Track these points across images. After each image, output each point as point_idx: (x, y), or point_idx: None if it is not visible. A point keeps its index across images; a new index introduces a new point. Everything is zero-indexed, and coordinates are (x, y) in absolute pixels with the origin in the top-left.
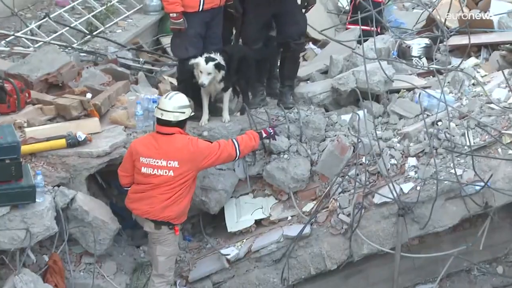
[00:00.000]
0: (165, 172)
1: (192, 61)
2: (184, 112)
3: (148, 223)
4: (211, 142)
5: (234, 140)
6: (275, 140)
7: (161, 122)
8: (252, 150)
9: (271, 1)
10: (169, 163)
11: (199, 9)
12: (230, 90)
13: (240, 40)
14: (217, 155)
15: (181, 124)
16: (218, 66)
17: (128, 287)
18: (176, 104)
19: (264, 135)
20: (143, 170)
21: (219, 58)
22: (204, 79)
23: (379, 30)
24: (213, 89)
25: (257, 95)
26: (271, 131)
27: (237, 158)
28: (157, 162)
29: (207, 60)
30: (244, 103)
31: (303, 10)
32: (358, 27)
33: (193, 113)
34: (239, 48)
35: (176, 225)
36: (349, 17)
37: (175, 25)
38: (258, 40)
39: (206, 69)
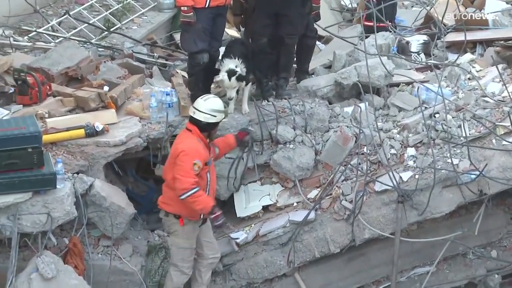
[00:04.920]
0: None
1: (216, 79)
2: (215, 116)
3: (161, 211)
4: (195, 170)
5: (193, 189)
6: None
7: (191, 119)
8: (196, 212)
9: (275, 1)
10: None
11: (205, 5)
12: (250, 84)
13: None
14: (177, 175)
15: (210, 126)
16: (239, 78)
17: (143, 269)
18: (209, 107)
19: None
20: None
21: (236, 62)
22: (231, 94)
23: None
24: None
25: (261, 86)
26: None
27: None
28: None
29: (229, 75)
30: (262, 92)
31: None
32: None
33: (225, 119)
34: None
35: (181, 216)
36: (364, 15)
37: (185, 18)
38: (263, 35)
39: (230, 85)
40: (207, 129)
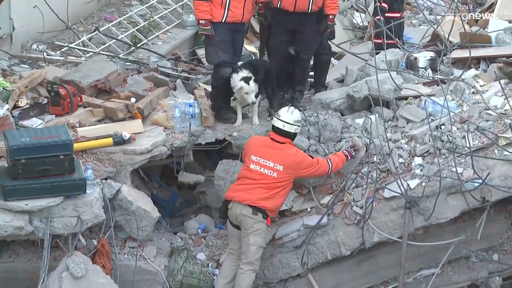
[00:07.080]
0: (270, 173)
1: (236, 87)
2: (299, 126)
3: (246, 209)
4: (312, 158)
5: (329, 160)
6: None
7: (279, 131)
8: (337, 170)
9: (292, 19)
10: (275, 166)
11: (222, 20)
12: (259, 97)
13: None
14: (315, 169)
15: (295, 136)
16: (256, 81)
17: (166, 268)
18: (297, 118)
19: (349, 157)
20: (251, 166)
21: (246, 72)
22: (252, 97)
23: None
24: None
25: (276, 99)
26: (353, 153)
27: (327, 174)
28: (266, 162)
29: (247, 81)
30: (270, 108)
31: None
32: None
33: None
34: (264, 62)
35: (269, 216)
36: (374, 33)
37: (203, 31)
38: (280, 51)
39: (250, 88)
40: (293, 139)
